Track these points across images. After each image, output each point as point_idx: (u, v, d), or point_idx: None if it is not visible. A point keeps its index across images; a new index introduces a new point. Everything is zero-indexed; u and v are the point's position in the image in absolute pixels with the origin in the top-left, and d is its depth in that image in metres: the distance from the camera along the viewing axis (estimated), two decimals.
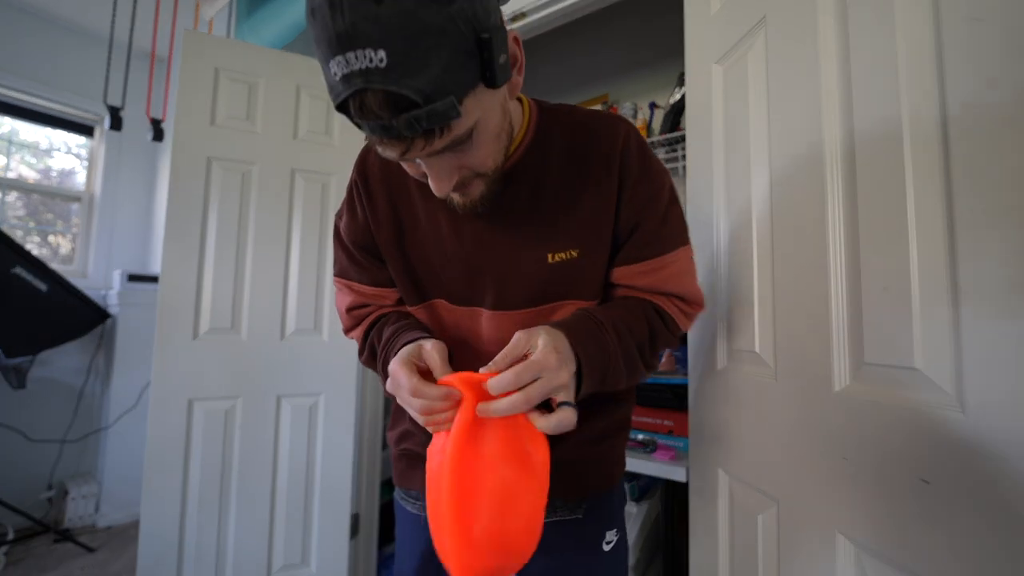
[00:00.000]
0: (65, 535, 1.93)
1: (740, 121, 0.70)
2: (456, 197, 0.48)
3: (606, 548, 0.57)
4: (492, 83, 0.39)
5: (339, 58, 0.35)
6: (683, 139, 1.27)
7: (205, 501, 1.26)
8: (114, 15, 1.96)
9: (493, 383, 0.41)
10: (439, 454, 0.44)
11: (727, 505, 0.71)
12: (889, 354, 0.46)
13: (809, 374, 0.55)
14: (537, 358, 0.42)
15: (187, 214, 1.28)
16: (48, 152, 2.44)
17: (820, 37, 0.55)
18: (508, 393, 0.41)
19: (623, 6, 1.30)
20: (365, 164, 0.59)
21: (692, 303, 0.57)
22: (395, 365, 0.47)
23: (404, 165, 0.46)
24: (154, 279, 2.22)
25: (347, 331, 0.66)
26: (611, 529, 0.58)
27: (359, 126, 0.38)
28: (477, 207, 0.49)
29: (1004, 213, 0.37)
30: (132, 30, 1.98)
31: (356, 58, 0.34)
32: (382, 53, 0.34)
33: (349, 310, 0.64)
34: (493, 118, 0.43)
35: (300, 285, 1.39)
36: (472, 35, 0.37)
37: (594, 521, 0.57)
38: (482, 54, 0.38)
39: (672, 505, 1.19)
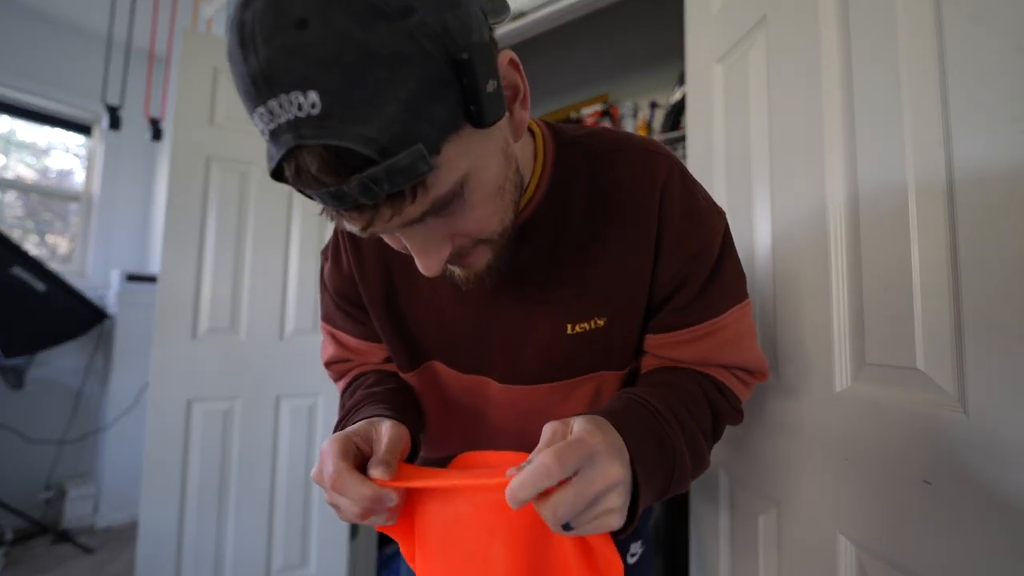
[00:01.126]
0: (63, 536, 1.92)
1: (741, 120, 0.70)
2: (456, 271, 0.39)
3: (630, 561, 0.55)
4: (480, 121, 0.28)
5: (260, 110, 0.26)
6: (683, 139, 1.27)
7: (204, 502, 1.26)
8: (113, 14, 1.96)
9: (516, 485, 0.28)
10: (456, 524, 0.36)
11: (728, 506, 0.71)
12: (890, 355, 0.46)
13: (810, 375, 0.55)
14: (581, 435, 0.30)
15: (186, 214, 1.27)
16: (46, 152, 2.44)
17: (821, 35, 0.55)
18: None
19: (623, 5, 1.29)
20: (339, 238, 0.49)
21: (755, 372, 0.47)
22: (326, 445, 0.35)
23: (385, 237, 0.35)
24: (153, 279, 2.22)
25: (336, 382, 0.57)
26: (636, 541, 0.56)
27: (306, 195, 0.29)
28: (484, 279, 0.39)
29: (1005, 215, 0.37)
30: (131, 29, 1.98)
31: (280, 106, 0.25)
32: (313, 96, 0.24)
33: (329, 364, 0.55)
34: (490, 168, 0.33)
35: (299, 285, 1.39)
36: (444, 57, 0.27)
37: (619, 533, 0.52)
38: (461, 81, 0.27)
39: (673, 506, 1.19)
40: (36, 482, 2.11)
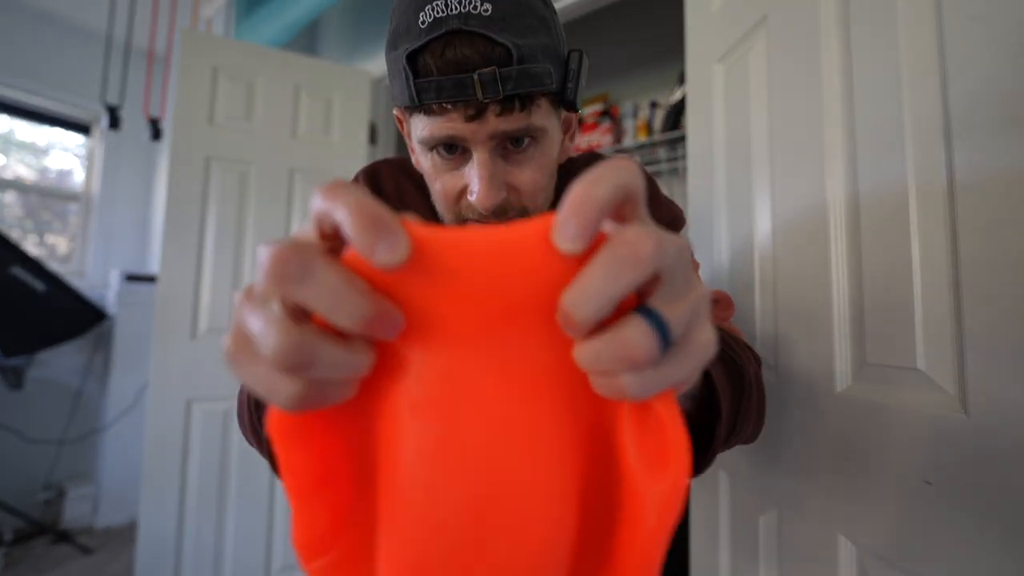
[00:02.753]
0: (63, 536, 1.92)
1: (742, 120, 0.69)
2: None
3: None
4: (565, 98, 0.37)
5: (437, 2, 0.32)
6: (683, 139, 1.27)
7: (204, 502, 1.26)
8: (112, 14, 1.96)
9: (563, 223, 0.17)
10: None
11: (728, 508, 0.71)
12: (891, 355, 0.46)
13: (810, 375, 0.55)
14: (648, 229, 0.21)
15: (186, 213, 1.27)
16: (46, 151, 2.44)
17: (821, 33, 0.55)
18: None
19: (623, 5, 1.29)
20: (377, 182, 0.48)
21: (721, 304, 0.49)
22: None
23: (435, 178, 0.39)
24: (152, 279, 2.22)
25: None
26: None
27: (417, 95, 0.34)
28: None
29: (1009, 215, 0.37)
30: (131, 29, 1.98)
31: (459, 3, 0.32)
32: (488, 5, 0.32)
33: None
34: (553, 149, 0.39)
35: None
36: (562, 44, 0.36)
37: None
38: (566, 66, 0.36)
39: None
40: (35, 482, 2.11)
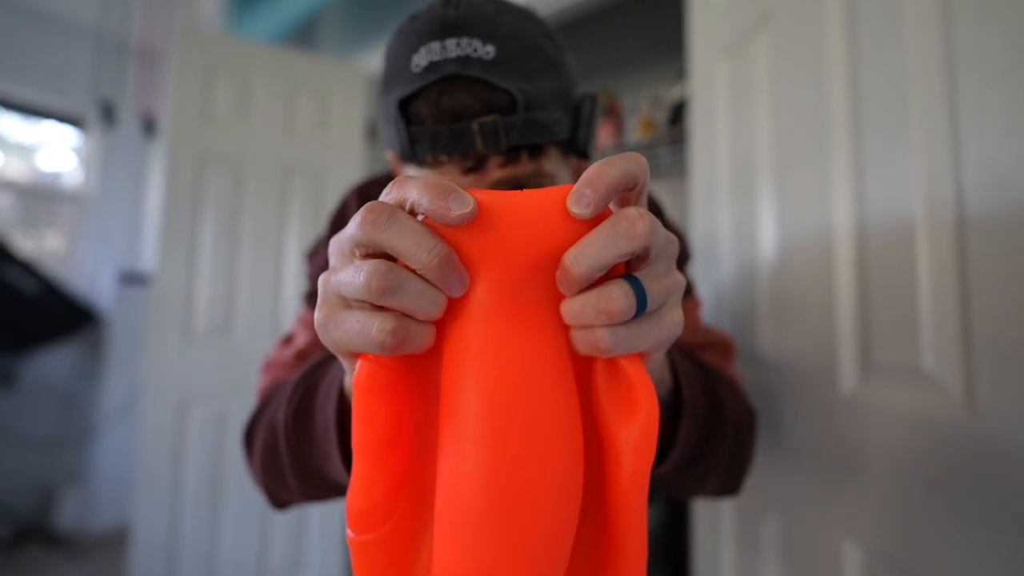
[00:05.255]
0: (55, 540, 1.90)
1: (746, 115, 0.69)
2: None
3: None
4: (576, 146, 0.34)
5: (433, 44, 0.29)
6: (683, 139, 1.27)
7: (198, 505, 1.24)
8: (105, 9, 1.94)
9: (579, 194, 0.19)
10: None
11: (731, 510, 0.71)
12: (897, 355, 0.45)
13: (814, 376, 0.54)
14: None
15: (181, 212, 1.26)
16: (38, 150, 2.41)
17: (826, 27, 0.54)
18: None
19: (624, 5, 1.29)
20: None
21: (716, 346, 0.47)
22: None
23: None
24: (146, 278, 2.20)
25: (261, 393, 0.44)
26: None
27: (411, 145, 0.30)
28: None
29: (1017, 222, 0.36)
30: (125, 26, 1.96)
31: (457, 45, 0.29)
32: (491, 47, 0.29)
33: (302, 354, 0.45)
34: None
35: (295, 285, 1.37)
36: (573, 88, 0.34)
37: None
38: (578, 112, 0.33)
39: (676, 511, 1.19)
40: (28, 486, 2.08)
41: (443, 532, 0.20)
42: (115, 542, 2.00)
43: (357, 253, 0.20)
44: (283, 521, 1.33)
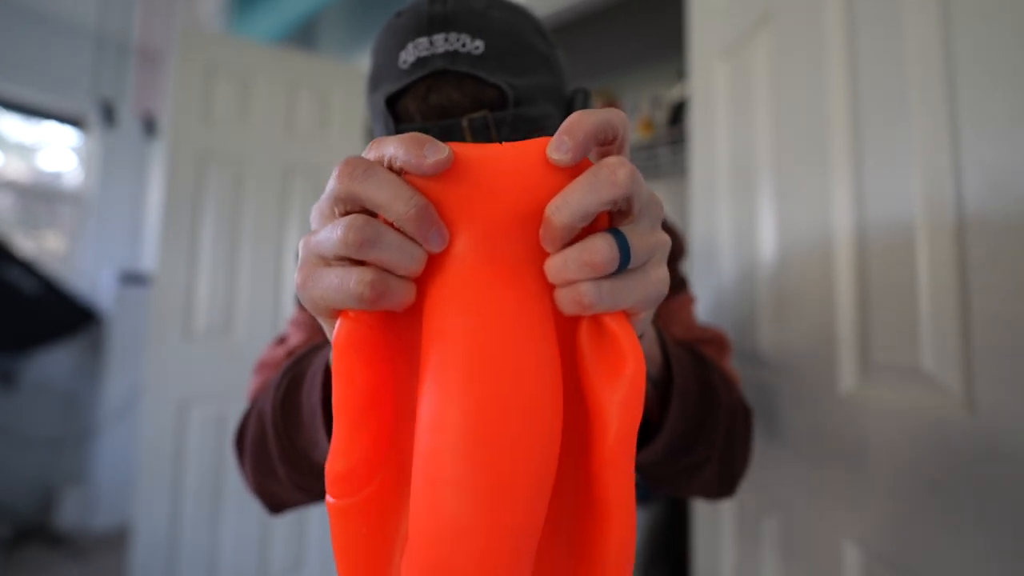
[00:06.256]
0: (56, 540, 1.90)
1: (745, 115, 0.69)
2: None
3: None
4: None
5: (421, 40, 0.28)
6: (684, 137, 1.26)
7: (199, 505, 1.24)
8: (105, 9, 1.94)
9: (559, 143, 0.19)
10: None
11: (731, 510, 0.71)
12: (896, 355, 0.45)
13: (814, 376, 0.54)
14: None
15: (181, 212, 1.26)
16: (38, 149, 2.41)
17: (826, 26, 0.54)
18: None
19: (624, 5, 1.29)
20: None
21: (710, 341, 0.46)
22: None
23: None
24: (146, 278, 2.20)
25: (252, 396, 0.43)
26: None
27: (403, 130, 0.30)
28: None
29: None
30: (126, 26, 1.96)
31: (446, 40, 0.28)
32: (479, 42, 0.28)
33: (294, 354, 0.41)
34: None
35: (295, 285, 1.38)
36: (564, 84, 0.34)
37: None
38: (569, 108, 0.34)
39: (676, 511, 1.19)
40: (29, 485, 2.08)
41: (420, 490, 0.19)
42: (115, 542, 2.00)
43: (336, 211, 0.20)
44: (284, 521, 1.33)
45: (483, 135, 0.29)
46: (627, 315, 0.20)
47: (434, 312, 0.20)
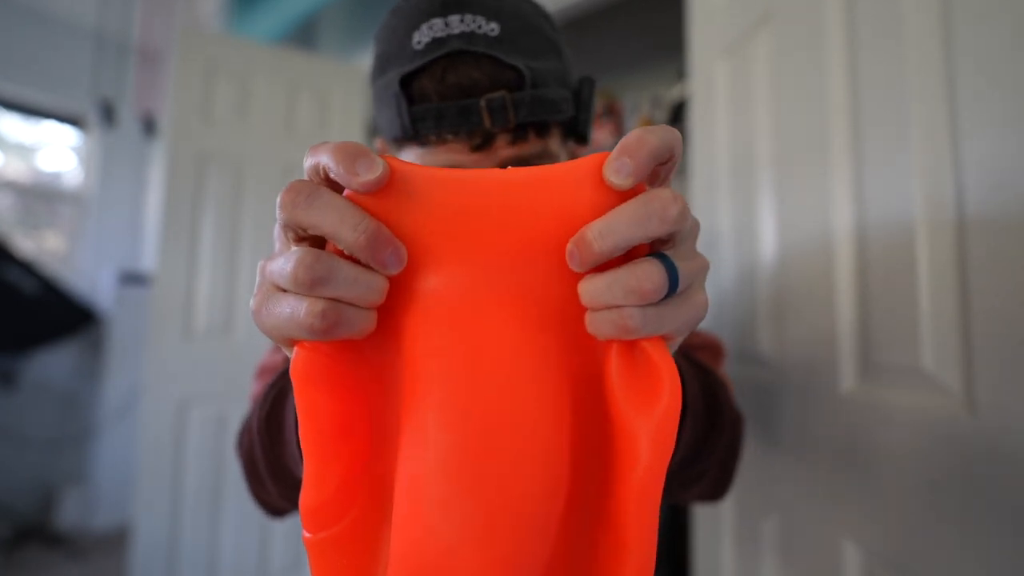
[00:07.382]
0: (55, 540, 1.90)
1: (745, 115, 0.69)
2: None
3: None
4: (577, 129, 0.33)
5: (435, 21, 0.28)
6: (685, 137, 1.27)
7: (199, 505, 1.24)
8: (105, 9, 1.94)
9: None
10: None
11: (731, 510, 0.71)
12: (896, 355, 0.45)
13: (814, 376, 0.54)
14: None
15: (181, 212, 1.26)
16: (38, 149, 2.41)
17: (826, 26, 0.54)
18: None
19: (624, 5, 1.29)
20: None
21: (706, 347, 0.46)
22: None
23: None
24: (147, 279, 2.20)
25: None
26: None
27: (412, 124, 0.29)
28: None
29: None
30: (126, 25, 1.96)
31: (461, 21, 0.28)
32: (495, 24, 0.29)
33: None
34: None
35: None
36: (571, 72, 0.34)
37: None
38: (577, 95, 0.33)
39: (675, 511, 1.19)
40: (28, 486, 2.08)
41: (403, 514, 0.18)
42: (115, 542, 2.00)
43: (288, 237, 0.19)
44: (283, 521, 1.33)
45: (501, 115, 0.29)
46: (664, 339, 0.19)
47: (414, 341, 0.19)
